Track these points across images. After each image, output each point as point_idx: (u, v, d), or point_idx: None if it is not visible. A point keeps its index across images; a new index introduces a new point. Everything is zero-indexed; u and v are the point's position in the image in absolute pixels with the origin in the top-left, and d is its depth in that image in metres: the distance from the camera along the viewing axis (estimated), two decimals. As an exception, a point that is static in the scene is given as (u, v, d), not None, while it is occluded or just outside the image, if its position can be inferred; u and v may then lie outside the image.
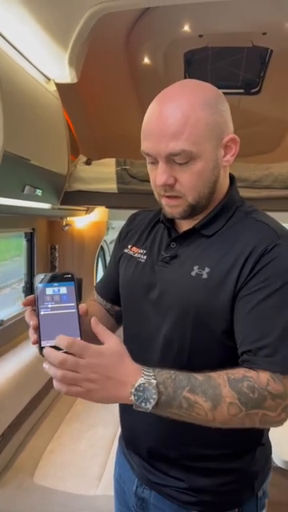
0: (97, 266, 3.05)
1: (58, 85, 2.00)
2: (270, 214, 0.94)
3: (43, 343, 0.74)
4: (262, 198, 2.08)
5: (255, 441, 0.95)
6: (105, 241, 3.39)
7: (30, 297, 0.81)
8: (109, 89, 2.54)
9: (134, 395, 0.69)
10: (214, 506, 0.93)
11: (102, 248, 3.29)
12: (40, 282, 0.81)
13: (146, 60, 2.35)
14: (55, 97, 2.00)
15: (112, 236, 3.48)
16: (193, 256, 0.89)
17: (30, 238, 2.54)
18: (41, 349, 0.75)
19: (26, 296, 2.54)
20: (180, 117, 0.79)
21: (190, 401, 0.72)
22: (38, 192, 1.75)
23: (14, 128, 1.44)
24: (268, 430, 0.99)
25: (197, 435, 0.89)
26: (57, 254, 2.79)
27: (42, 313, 0.78)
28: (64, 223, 2.69)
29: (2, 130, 1.29)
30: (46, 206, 2.00)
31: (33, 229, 2.51)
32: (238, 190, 0.95)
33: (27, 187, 1.64)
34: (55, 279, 0.82)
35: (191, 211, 0.88)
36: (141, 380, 0.69)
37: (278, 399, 0.74)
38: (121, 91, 2.60)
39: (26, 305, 0.81)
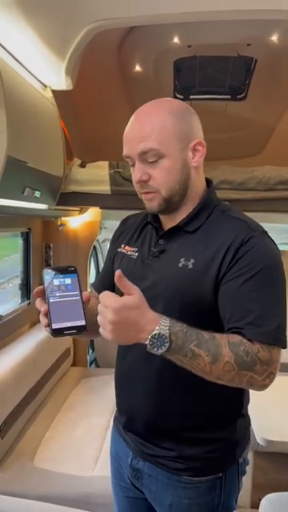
0: (90, 264, 3.16)
1: (53, 91, 2.11)
2: (254, 214, 1.09)
3: (53, 326, 0.90)
4: (246, 200, 2.22)
5: (236, 412, 1.08)
6: (97, 240, 3.49)
7: (40, 287, 0.95)
8: (101, 94, 2.65)
9: (149, 341, 0.83)
10: (201, 472, 1.05)
11: (94, 247, 3.40)
12: (48, 275, 0.95)
13: (138, 67, 2.46)
14: (51, 103, 2.11)
15: (104, 235, 3.59)
16: (179, 250, 1.02)
17: (26, 237, 2.65)
18: (52, 330, 0.89)
19: (22, 293, 2.65)
20: (149, 123, 0.97)
21: (194, 353, 0.86)
22: (37, 193, 1.86)
23: (16, 133, 1.55)
24: (247, 403, 1.12)
25: (186, 409, 1.04)
26: (51, 253, 2.90)
27: (51, 300, 0.92)
28: (59, 223, 2.80)
29: (6, 136, 1.40)
30: (43, 206, 2.11)
31: (29, 228, 2.61)
32: (215, 191, 1.11)
33: (27, 189, 1.75)
34: (61, 272, 0.96)
35: (166, 205, 1.02)
36: (157, 329, 0.84)
37: (265, 365, 0.88)
38: (112, 97, 2.70)
39: (36, 294, 0.95)
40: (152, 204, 1.02)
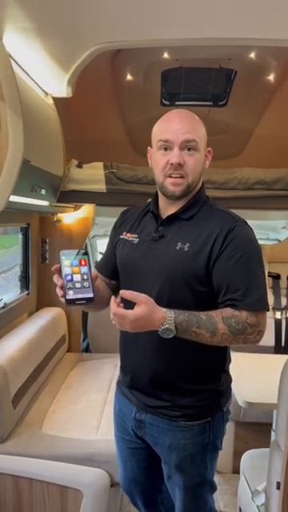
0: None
1: (53, 98, 2.32)
2: (234, 211, 1.34)
3: (67, 296, 1.15)
4: (228, 198, 2.49)
5: (221, 368, 1.35)
6: (88, 236, 3.70)
7: (57, 266, 1.19)
8: (95, 101, 2.87)
9: (160, 332, 1.12)
10: (193, 417, 1.31)
11: (85, 243, 3.60)
12: (64, 255, 1.19)
13: (129, 77, 2.69)
14: (52, 109, 2.32)
15: (95, 232, 3.79)
16: (176, 235, 1.27)
17: (26, 232, 2.85)
18: (66, 300, 1.15)
19: (21, 284, 2.85)
20: (195, 122, 1.28)
21: (196, 332, 1.14)
22: (43, 191, 2.07)
23: (27, 138, 1.76)
24: (229, 361, 1.39)
25: (182, 367, 1.29)
26: (47, 247, 3.10)
27: (65, 276, 1.15)
28: (55, 219, 3.00)
29: (23, 141, 1.61)
30: (46, 203, 2.32)
31: (28, 224, 2.81)
32: (205, 190, 1.37)
33: (35, 187, 1.97)
34: (74, 253, 1.20)
35: (187, 191, 1.28)
36: (164, 325, 1.11)
37: (254, 327, 1.16)
38: (104, 103, 2.92)
39: (54, 270, 1.19)
40: (178, 188, 1.26)
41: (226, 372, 1.38)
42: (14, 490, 1.78)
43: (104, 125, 2.95)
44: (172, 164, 1.23)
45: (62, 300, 1.16)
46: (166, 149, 1.25)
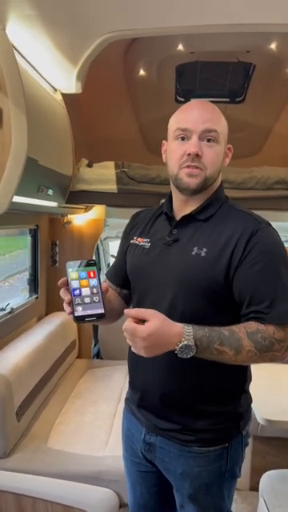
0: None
1: (62, 94, 2.22)
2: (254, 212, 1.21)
3: (76, 313, 1.03)
4: (246, 198, 2.35)
5: (240, 388, 1.21)
6: (99, 238, 3.60)
7: (64, 279, 1.07)
8: (106, 97, 2.76)
9: (179, 350, 0.98)
10: (209, 442, 1.17)
11: (96, 245, 3.50)
12: (70, 267, 1.08)
13: (142, 72, 2.58)
14: (61, 106, 2.22)
15: (107, 234, 3.69)
16: (192, 239, 1.14)
17: (34, 233, 2.75)
18: (74, 317, 1.03)
19: (30, 288, 2.75)
20: (216, 113, 1.14)
21: (219, 350, 1.00)
22: (50, 192, 1.97)
23: (32, 135, 1.66)
24: (250, 380, 1.25)
25: (197, 385, 1.16)
26: (57, 249, 3.01)
27: (73, 290, 1.04)
28: (65, 220, 2.90)
29: (26, 138, 1.51)
30: (53, 204, 2.22)
31: (37, 225, 2.72)
32: (224, 189, 1.24)
33: (41, 187, 1.86)
34: (82, 264, 1.08)
35: (204, 185, 1.14)
36: (183, 342, 0.98)
37: (282, 343, 1.03)
38: (117, 99, 2.82)
39: (61, 285, 1.07)
40: (194, 180, 1.12)
41: (246, 392, 1.24)
42: (16, 509, 1.67)
43: (116, 122, 2.84)
44: (189, 154, 1.10)
45: (70, 317, 1.05)
46: (183, 138, 1.13)
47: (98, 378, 2.67)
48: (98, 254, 3.90)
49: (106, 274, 1.43)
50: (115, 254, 1.43)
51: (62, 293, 1.07)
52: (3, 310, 2.30)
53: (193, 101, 1.19)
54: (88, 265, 1.09)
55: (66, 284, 1.07)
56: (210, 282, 1.09)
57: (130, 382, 1.33)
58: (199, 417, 1.17)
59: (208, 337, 1.00)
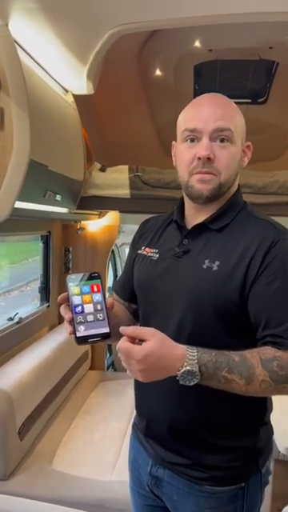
0: (108, 268, 3.17)
1: (74, 95, 2.13)
2: (276, 219, 1.06)
3: (78, 333, 0.90)
4: (268, 204, 2.19)
5: (259, 420, 1.06)
6: (115, 244, 3.50)
7: (64, 294, 0.95)
8: (121, 99, 2.67)
9: (180, 376, 0.84)
10: (222, 481, 1.03)
11: (112, 251, 3.40)
12: (72, 282, 0.95)
13: (158, 72, 2.47)
14: (73, 107, 2.12)
15: (122, 239, 3.59)
16: (204, 250, 1.01)
17: (46, 240, 2.67)
18: (76, 338, 0.90)
19: (41, 296, 2.66)
20: (230, 108, 1.00)
21: (227, 379, 0.86)
22: (58, 197, 1.87)
23: (38, 137, 1.56)
24: (271, 410, 1.10)
25: (209, 416, 1.02)
26: (70, 256, 2.92)
27: (75, 307, 0.92)
28: (78, 227, 2.81)
29: (29, 139, 1.41)
30: (63, 210, 2.12)
31: (49, 232, 2.63)
32: (242, 194, 1.09)
33: (48, 193, 1.76)
34: (84, 278, 0.96)
35: (218, 191, 1.00)
36: (185, 367, 0.84)
37: None
38: (132, 101, 2.72)
39: (61, 300, 0.95)
40: (206, 186, 0.99)
41: (267, 424, 1.09)
42: (16, 536, 1.57)
43: (131, 125, 2.74)
44: (200, 158, 0.96)
45: (72, 337, 0.92)
46: (192, 140, 0.99)
47: (110, 391, 2.55)
48: (114, 260, 3.80)
49: (113, 288, 1.31)
50: None
51: (63, 310, 0.94)
52: (11, 319, 2.21)
53: (205, 95, 1.04)
54: (91, 278, 0.97)
55: (67, 300, 0.95)
56: (223, 299, 0.95)
57: (136, 407, 1.21)
58: (211, 451, 1.03)
59: (215, 362, 0.86)
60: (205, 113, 0.97)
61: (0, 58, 1.36)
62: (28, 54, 1.62)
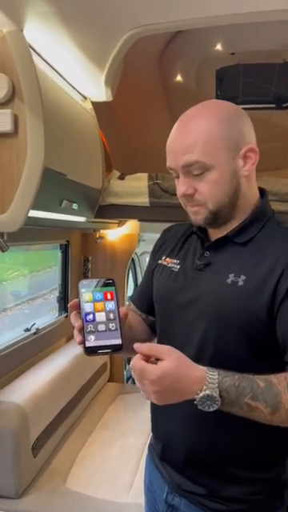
0: (128, 277, 3.11)
1: (93, 102, 2.09)
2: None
3: (87, 343, 0.83)
4: (293, 212, 2.09)
5: (285, 450, 0.97)
6: (135, 253, 3.44)
7: (75, 300, 0.89)
8: (141, 105, 2.62)
9: (198, 401, 0.76)
10: (243, 515, 0.95)
11: (132, 260, 3.35)
12: (84, 288, 0.89)
13: (179, 77, 2.41)
14: (91, 114, 2.09)
15: (142, 248, 3.53)
16: (227, 263, 0.93)
17: (65, 249, 2.63)
18: (85, 348, 0.83)
19: (59, 306, 2.62)
20: (194, 132, 0.88)
21: (250, 406, 0.78)
22: (75, 206, 1.82)
23: (54, 145, 1.52)
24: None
25: (230, 444, 0.93)
26: (90, 266, 2.87)
27: (86, 315, 0.85)
28: (97, 236, 2.77)
29: (44, 147, 1.37)
30: (81, 219, 2.08)
31: (67, 241, 2.60)
32: (269, 202, 1.00)
33: (64, 201, 1.72)
34: (98, 284, 0.89)
35: (214, 218, 0.93)
36: (205, 391, 0.76)
37: None
38: (153, 107, 2.67)
39: (72, 307, 0.89)
40: (198, 217, 0.94)
41: (294, 453, 1.00)
42: None
43: (151, 131, 2.68)
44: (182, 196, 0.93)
45: (80, 347, 0.86)
46: (177, 176, 0.95)
47: (128, 405, 2.47)
48: (135, 269, 3.74)
49: (131, 297, 1.24)
50: None
51: (73, 318, 0.88)
52: (28, 330, 2.17)
53: (177, 121, 0.94)
54: (105, 285, 0.90)
55: (78, 307, 0.89)
56: (249, 316, 0.87)
57: (152, 428, 1.13)
58: (231, 482, 0.95)
59: (237, 387, 0.78)
60: (172, 147, 0.92)
61: (14, 64, 1.33)
62: (44, 59, 1.58)
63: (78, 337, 0.85)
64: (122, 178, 2.32)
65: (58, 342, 2.53)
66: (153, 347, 0.80)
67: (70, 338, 2.70)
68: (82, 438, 2.05)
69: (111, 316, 0.87)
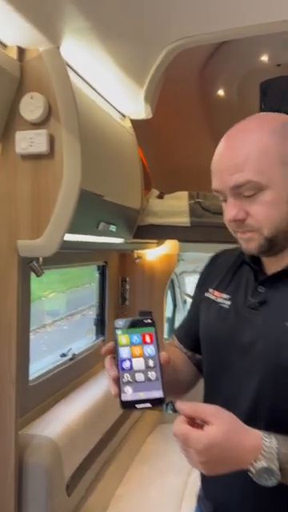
0: (166, 298, 2.99)
1: (132, 120, 2.02)
2: None
3: (123, 397, 0.72)
4: None
5: None
6: (175, 272, 3.32)
7: (110, 344, 0.79)
8: (180, 121, 2.54)
9: (254, 474, 0.65)
10: None
11: (171, 280, 3.23)
12: (120, 329, 0.78)
13: (220, 92, 2.31)
14: (130, 133, 2.02)
15: (182, 268, 3.41)
16: (286, 304, 0.80)
17: (103, 270, 2.55)
18: (121, 403, 0.72)
19: (97, 329, 2.53)
20: (244, 148, 0.77)
21: None
22: (112, 228, 1.74)
23: (91, 166, 1.45)
24: None
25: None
26: (127, 287, 2.78)
27: (121, 362, 0.75)
28: (135, 256, 2.68)
29: (80, 168, 1.30)
30: (119, 240, 2.00)
31: (105, 262, 2.52)
32: None
33: (102, 223, 1.64)
34: (136, 325, 0.79)
35: (269, 245, 0.81)
36: (261, 463, 0.64)
37: None
38: (193, 123, 2.58)
39: (106, 353, 0.79)
40: (250, 245, 0.82)
41: None
42: None
43: (192, 149, 2.59)
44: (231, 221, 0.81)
45: (116, 399, 0.75)
46: (224, 199, 0.83)
47: (168, 436, 2.32)
48: (173, 290, 3.62)
49: (175, 332, 1.13)
50: (191, 294, 1.12)
51: (108, 363, 0.78)
52: (64, 355, 2.09)
53: (224, 136, 0.83)
54: (144, 325, 0.80)
55: (113, 351, 0.79)
56: None
57: (202, 481, 0.99)
58: None
59: None
60: (219, 167, 0.80)
61: (51, 83, 1.28)
62: (81, 77, 1.53)
63: (113, 388, 0.74)
64: (161, 196, 2.23)
65: (94, 368, 2.44)
66: (199, 408, 0.68)
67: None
68: (119, 474, 1.92)
69: (151, 363, 0.75)
